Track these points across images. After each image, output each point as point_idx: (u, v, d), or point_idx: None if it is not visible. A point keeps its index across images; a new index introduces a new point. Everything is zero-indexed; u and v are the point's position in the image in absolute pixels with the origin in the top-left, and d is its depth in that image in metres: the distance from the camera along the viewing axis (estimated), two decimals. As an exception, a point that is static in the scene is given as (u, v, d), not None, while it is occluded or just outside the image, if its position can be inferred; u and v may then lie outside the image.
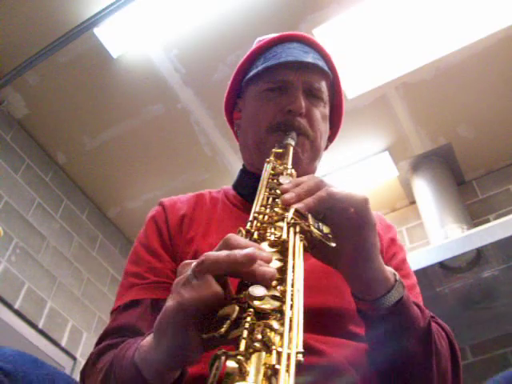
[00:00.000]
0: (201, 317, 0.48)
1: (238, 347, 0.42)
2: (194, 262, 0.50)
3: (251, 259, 0.48)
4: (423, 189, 2.76)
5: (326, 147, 1.01)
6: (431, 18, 2.32)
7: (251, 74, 0.95)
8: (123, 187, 3.08)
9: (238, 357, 0.41)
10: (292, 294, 0.47)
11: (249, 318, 0.45)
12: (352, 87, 2.59)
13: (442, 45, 2.41)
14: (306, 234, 0.55)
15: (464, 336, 2.33)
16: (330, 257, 0.64)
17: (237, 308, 0.46)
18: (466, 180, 2.94)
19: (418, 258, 2.11)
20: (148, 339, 0.57)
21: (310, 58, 0.92)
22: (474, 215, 2.73)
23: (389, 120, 2.73)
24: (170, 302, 0.50)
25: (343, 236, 0.60)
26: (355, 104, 2.66)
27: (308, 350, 0.44)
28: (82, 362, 2.61)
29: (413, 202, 2.98)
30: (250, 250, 0.49)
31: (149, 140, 2.84)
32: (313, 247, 0.57)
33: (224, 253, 0.49)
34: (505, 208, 2.71)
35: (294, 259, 0.51)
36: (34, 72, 2.58)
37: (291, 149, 0.82)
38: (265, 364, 0.41)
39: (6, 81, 2.53)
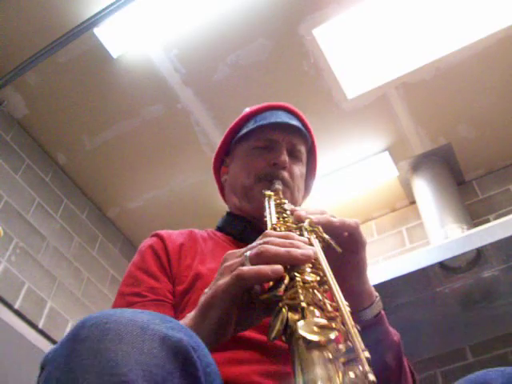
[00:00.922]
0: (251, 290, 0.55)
1: (297, 300, 0.50)
2: (250, 252, 0.57)
3: (309, 258, 0.56)
4: (423, 189, 2.76)
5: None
6: (431, 17, 2.32)
7: (243, 131, 1.10)
8: (123, 187, 3.08)
9: (302, 304, 0.49)
10: (328, 270, 0.56)
11: (299, 284, 0.53)
12: (352, 87, 2.59)
13: (442, 45, 2.41)
14: (319, 239, 0.65)
15: (464, 336, 2.33)
16: None
17: (287, 275, 0.54)
18: (465, 180, 2.94)
19: (418, 258, 2.11)
20: (184, 320, 0.60)
21: (295, 122, 1.07)
22: (473, 215, 2.73)
23: (389, 120, 2.73)
24: (223, 279, 0.55)
25: (340, 256, 0.68)
26: (355, 104, 2.66)
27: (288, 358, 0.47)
28: (81, 362, 2.61)
29: (413, 202, 2.98)
30: (310, 250, 0.57)
31: (149, 140, 2.84)
32: (324, 252, 0.65)
33: (284, 249, 0.56)
34: (505, 208, 2.71)
35: (320, 252, 0.60)
36: (34, 72, 2.58)
37: (281, 192, 0.96)
38: (322, 315, 0.49)
39: (6, 81, 2.53)
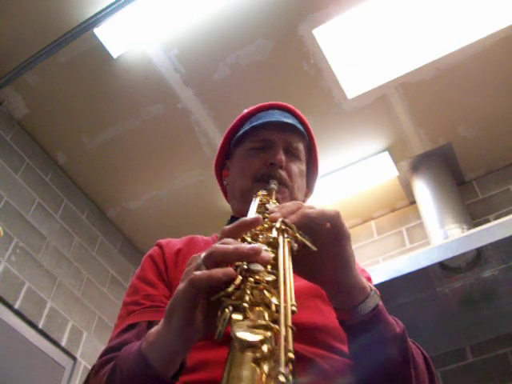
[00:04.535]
0: (209, 293, 0.54)
1: (242, 301, 0.50)
2: (203, 254, 0.57)
3: (257, 251, 0.56)
4: (423, 189, 2.76)
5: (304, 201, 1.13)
6: (431, 17, 2.32)
7: (239, 134, 1.09)
8: (123, 187, 3.08)
9: (244, 304, 0.49)
10: (284, 271, 0.55)
11: (249, 284, 0.53)
12: (352, 87, 2.59)
13: (442, 45, 2.41)
14: (291, 238, 0.64)
15: (464, 336, 2.33)
16: (312, 271, 0.70)
17: (239, 277, 0.53)
18: (466, 180, 2.94)
19: (417, 258, 2.11)
20: (156, 327, 0.62)
21: (290, 120, 1.06)
22: (474, 215, 2.73)
23: (389, 120, 2.73)
24: (181, 284, 0.56)
25: (323, 249, 0.66)
26: (355, 104, 2.66)
27: (297, 357, 0.45)
28: (81, 362, 2.61)
29: (413, 202, 2.98)
30: (256, 245, 0.56)
31: (149, 140, 2.84)
32: (298, 251, 0.63)
33: (232, 246, 0.56)
34: (505, 208, 2.71)
35: (283, 251, 0.59)
36: (34, 72, 2.58)
37: (274, 192, 0.94)
38: (265, 314, 0.49)
39: (6, 81, 2.53)
